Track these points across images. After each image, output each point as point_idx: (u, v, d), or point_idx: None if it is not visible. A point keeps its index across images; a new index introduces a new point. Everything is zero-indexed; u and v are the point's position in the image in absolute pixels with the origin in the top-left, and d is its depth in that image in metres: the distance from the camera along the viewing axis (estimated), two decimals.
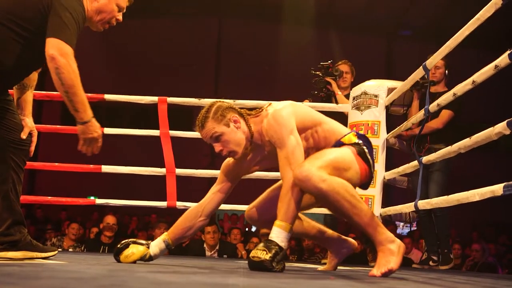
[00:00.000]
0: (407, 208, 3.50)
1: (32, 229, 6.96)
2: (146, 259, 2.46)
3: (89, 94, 4.17)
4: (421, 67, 3.44)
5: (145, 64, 11.95)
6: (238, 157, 2.42)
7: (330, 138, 2.42)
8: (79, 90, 2.13)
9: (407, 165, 3.68)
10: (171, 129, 4.05)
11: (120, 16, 2.41)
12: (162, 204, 4.04)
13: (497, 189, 2.20)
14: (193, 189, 4.67)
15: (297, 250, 6.38)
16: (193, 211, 2.56)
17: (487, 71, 2.49)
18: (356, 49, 10.90)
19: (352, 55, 6.75)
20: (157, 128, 4.07)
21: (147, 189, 6.34)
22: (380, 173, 4.00)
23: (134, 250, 2.44)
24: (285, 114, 2.31)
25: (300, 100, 4.30)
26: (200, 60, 12.80)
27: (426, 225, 4.30)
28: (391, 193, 6.58)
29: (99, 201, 4.12)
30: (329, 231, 2.74)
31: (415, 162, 3.46)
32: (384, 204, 4.03)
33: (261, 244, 2.19)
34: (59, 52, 2.09)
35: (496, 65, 2.37)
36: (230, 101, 2.47)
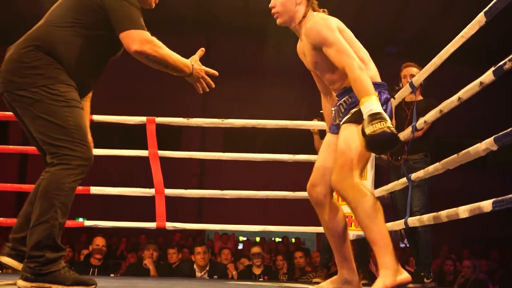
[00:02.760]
0: (397, 226, 3.49)
1: None
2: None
3: None
4: (407, 84, 3.48)
5: (134, 82, 11.92)
6: (280, 23, 2.58)
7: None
8: (171, 57, 2.24)
9: (395, 182, 3.66)
10: (159, 148, 4.03)
11: None
12: (152, 225, 4.00)
13: (486, 205, 2.21)
14: (182, 209, 4.63)
15: (288, 270, 6.34)
16: None
17: (472, 87, 2.51)
18: None
19: None
20: (146, 148, 4.04)
21: (136, 209, 6.28)
22: None
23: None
24: (325, 21, 2.40)
25: (295, 117, 4.30)
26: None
27: (413, 242, 4.18)
28: None
29: (87, 223, 4.08)
30: (351, 258, 2.55)
31: (404, 179, 3.43)
32: None
33: (368, 120, 2.17)
34: (136, 45, 2.17)
35: (481, 82, 2.40)
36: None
